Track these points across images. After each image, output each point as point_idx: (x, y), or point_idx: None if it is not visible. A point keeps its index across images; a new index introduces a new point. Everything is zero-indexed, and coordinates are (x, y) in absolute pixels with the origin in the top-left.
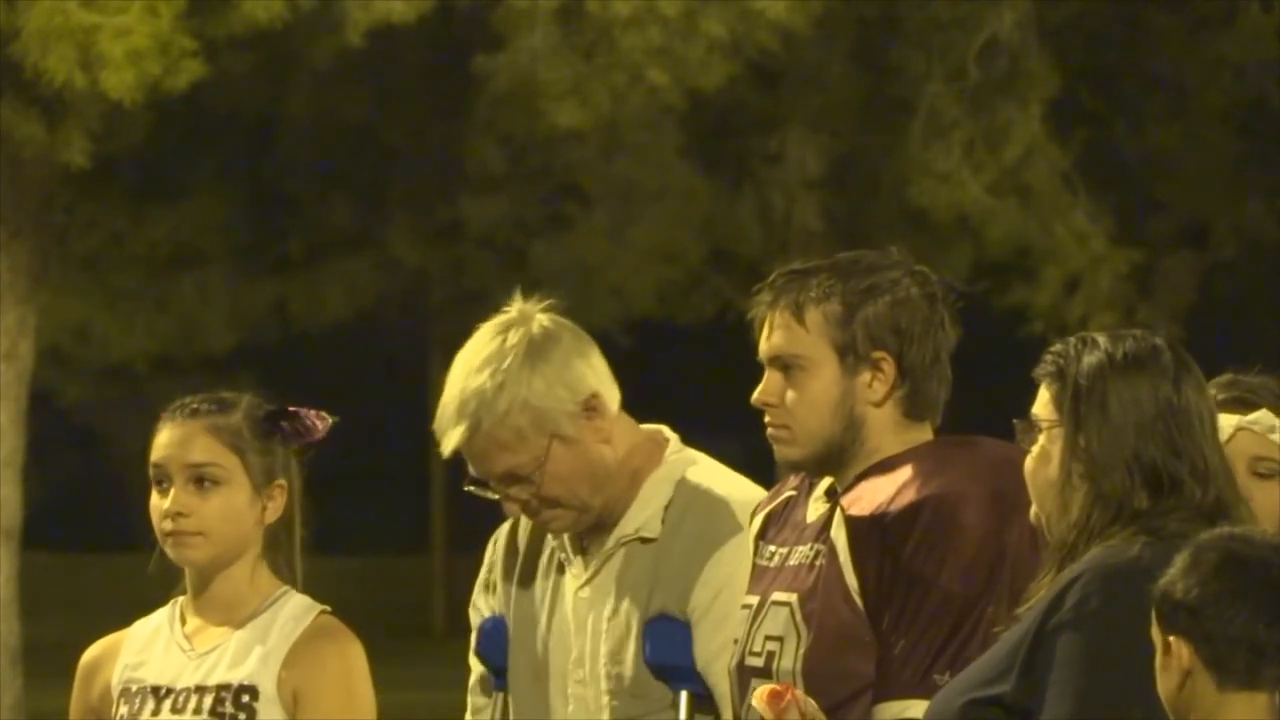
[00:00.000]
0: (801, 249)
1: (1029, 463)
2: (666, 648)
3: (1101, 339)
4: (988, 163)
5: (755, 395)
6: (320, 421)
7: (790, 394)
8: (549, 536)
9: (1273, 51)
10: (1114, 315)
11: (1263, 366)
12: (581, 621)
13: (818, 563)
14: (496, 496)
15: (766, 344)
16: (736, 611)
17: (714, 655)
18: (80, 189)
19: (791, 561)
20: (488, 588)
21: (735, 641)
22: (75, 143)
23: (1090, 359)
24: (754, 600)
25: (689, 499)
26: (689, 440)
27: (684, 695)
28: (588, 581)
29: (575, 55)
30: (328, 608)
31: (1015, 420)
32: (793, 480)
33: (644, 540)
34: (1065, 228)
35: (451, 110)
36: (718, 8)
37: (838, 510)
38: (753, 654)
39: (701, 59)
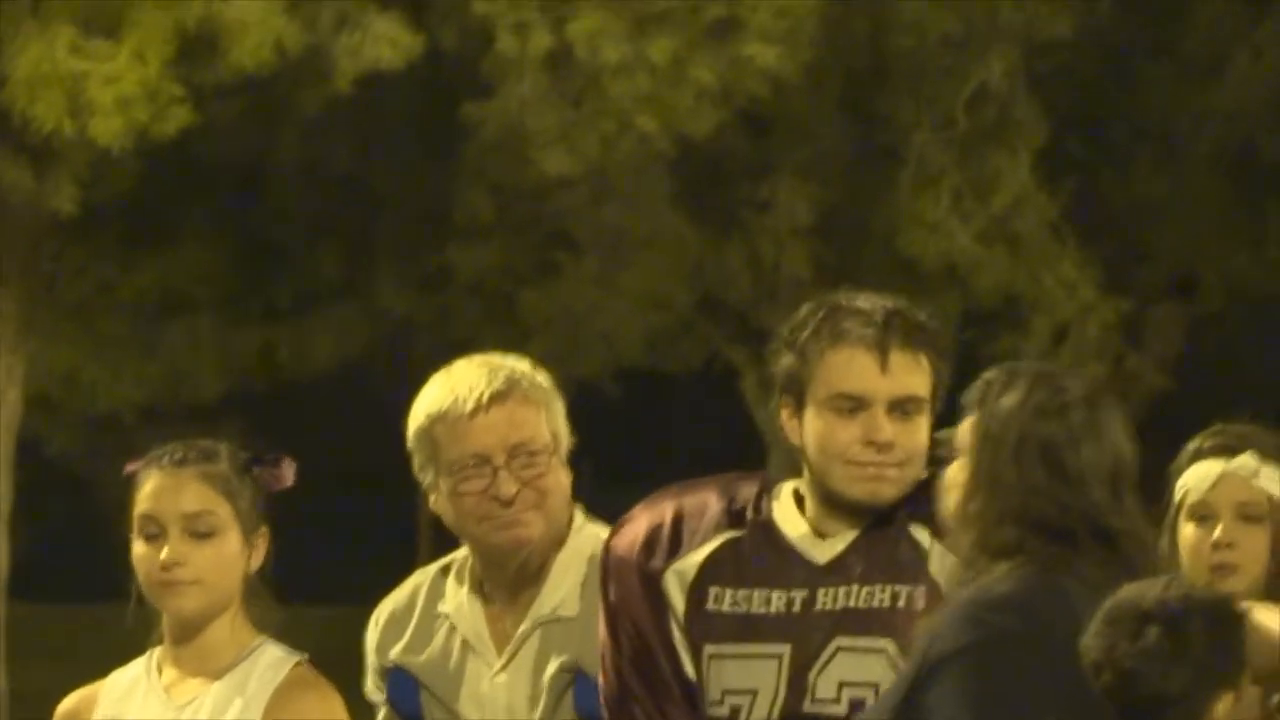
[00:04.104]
0: (790, 297)
1: (949, 472)
2: (597, 699)
3: (1025, 378)
4: (976, 211)
5: (884, 436)
6: (289, 469)
7: (909, 436)
8: (439, 627)
9: (1261, 101)
10: (1102, 364)
11: (1251, 415)
12: (502, 705)
13: (916, 605)
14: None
15: (892, 383)
16: None
17: None
18: (68, 236)
19: (840, 604)
20: (379, 673)
21: (728, 693)
22: (63, 190)
23: (1007, 401)
24: (777, 649)
25: None
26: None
27: None
28: (504, 666)
29: (564, 103)
30: (304, 657)
31: (935, 434)
32: (703, 520)
33: (560, 620)
34: (1053, 277)
35: (440, 158)
36: (707, 55)
37: (935, 547)
38: (822, 700)
39: (690, 106)
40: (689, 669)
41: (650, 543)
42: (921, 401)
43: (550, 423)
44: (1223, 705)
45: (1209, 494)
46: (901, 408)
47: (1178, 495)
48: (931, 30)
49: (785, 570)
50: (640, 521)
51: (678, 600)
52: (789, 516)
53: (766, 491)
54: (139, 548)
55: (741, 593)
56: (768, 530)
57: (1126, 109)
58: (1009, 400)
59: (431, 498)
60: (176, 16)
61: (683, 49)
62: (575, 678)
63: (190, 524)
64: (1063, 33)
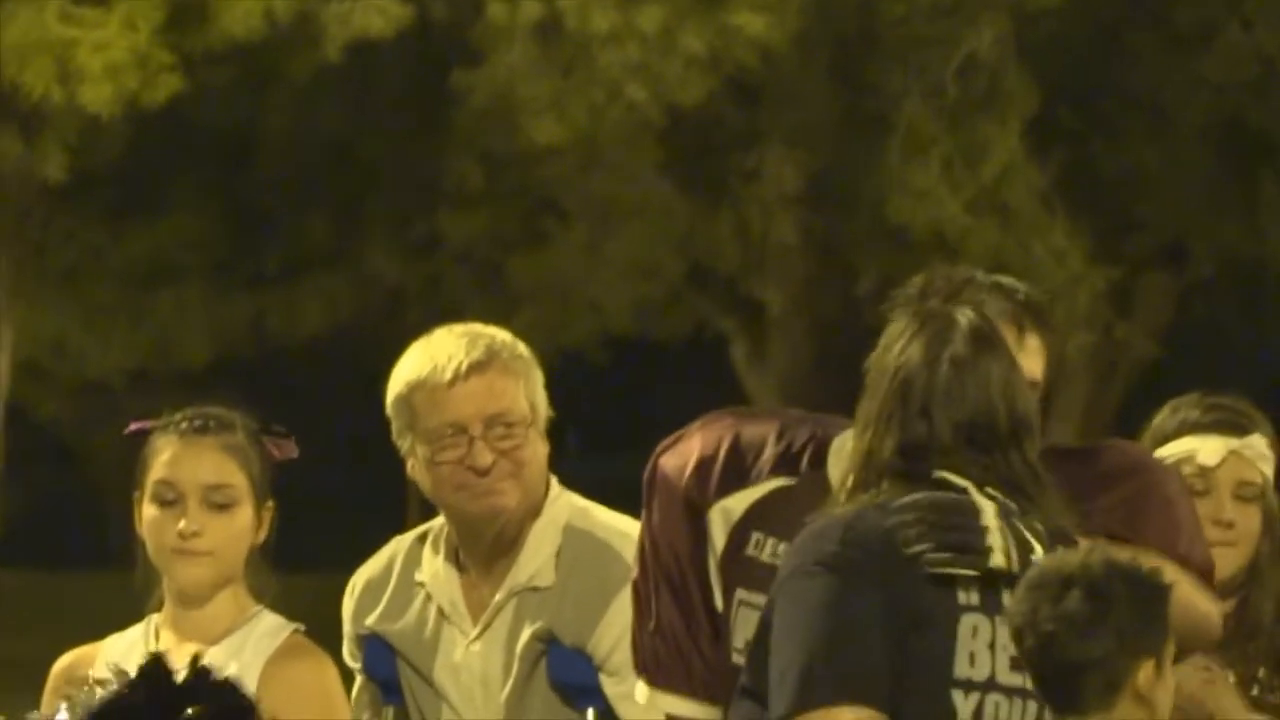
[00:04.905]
0: (779, 265)
1: None
2: (571, 669)
3: (911, 328)
4: (966, 180)
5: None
6: (292, 440)
7: None
8: (415, 596)
9: (1252, 71)
10: (1091, 333)
11: (1231, 386)
12: (476, 674)
13: None
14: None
15: (1023, 359)
16: None
17: (623, 697)
18: (57, 203)
19: None
20: (356, 640)
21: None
22: (53, 157)
23: (892, 349)
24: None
25: (580, 545)
26: None
27: (590, 713)
28: (479, 635)
29: (554, 71)
30: (301, 626)
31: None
32: (758, 459)
33: (536, 589)
34: (1043, 246)
35: (430, 126)
36: (696, 24)
37: None
38: None
39: (680, 75)
40: (719, 603)
41: (701, 471)
42: (1036, 385)
43: (529, 394)
44: (1144, 673)
45: (1215, 470)
46: None
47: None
48: None
49: None
50: (693, 444)
51: (719, 538)
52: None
53: (825, 441)
54: (152, 512)
55: (783, 546)
56: (820, 486)
57: (1117, 79)
58: (894, 349)
59: (409, 463)
60: None
61: (672, 18)
62: (549, 646)
63: (209, 495)
64: (1053, 2)
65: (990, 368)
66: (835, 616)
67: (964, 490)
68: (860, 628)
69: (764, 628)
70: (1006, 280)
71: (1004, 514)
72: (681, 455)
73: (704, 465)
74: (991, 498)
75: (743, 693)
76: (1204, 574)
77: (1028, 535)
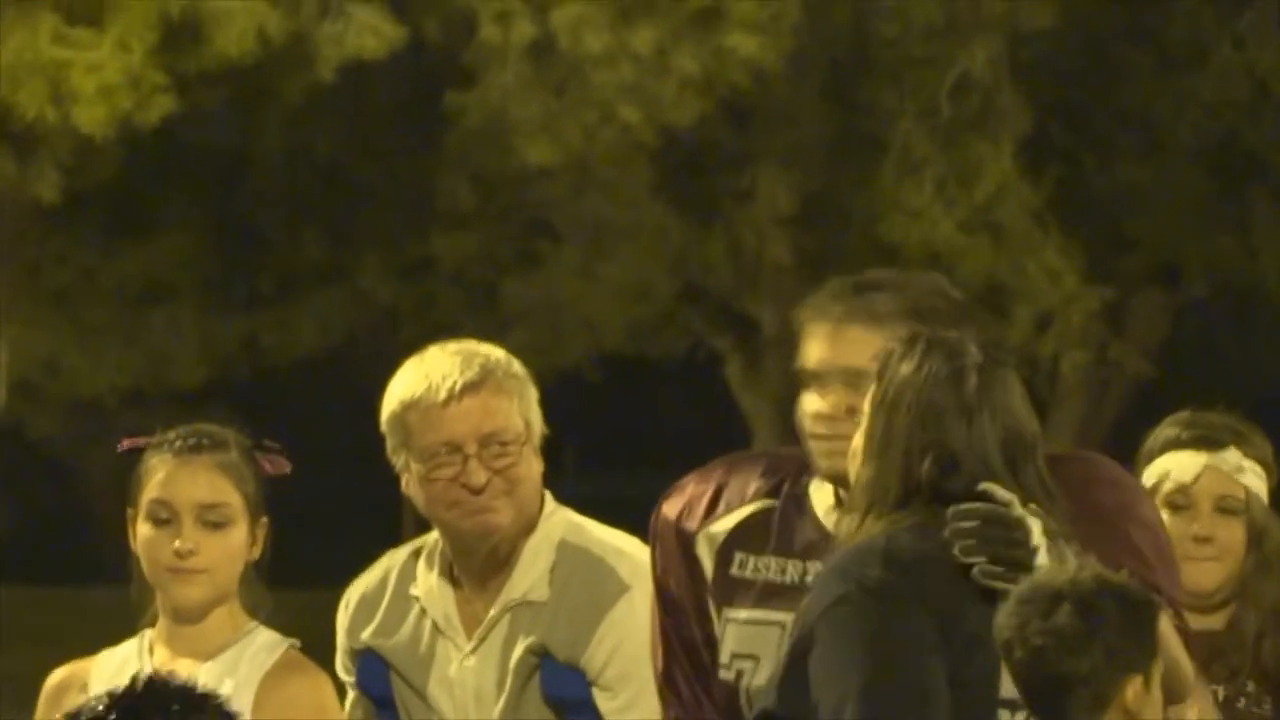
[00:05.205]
0: (772, 285)
1: (854, 442)
2: (564, 684)
3: (922, 346)
4: (959, 200)
5: (828, 409)
6: (284, 456)
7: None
8: (410, 610)
9: (1244, 90)
10: (1085, 352)
11: (1224, 405)
12: (470, 689)
13: None
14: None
15: (838, 355)
16: (635, 669)
17: (616, 711)
18: (51, 223)
19: None
20: (350, 654)
21: (735, 657)
22: (46, 177)
23: (904, 368)
24: (783, 617)
25: (574, 560)
26: (662, 475)
27: None
28: (474, 650)
29: (547, 92)
30: (296, 642)
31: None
32: (744, 490)
33: (530, 604)
34: (1037, 265)
35: (423, 146)
36: (689, 45)
37: None
38: None
39: (673, 96)
40: (717, 630)
41: (691, 506)
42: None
43: (523, 411)
44: (1132, 690)
45: (1192, 486)
46: (854, 383)
47: (1150, 481)
48: (914, 19)
49: (808, 543)
50: (688, 488)
51: (707, 563)
52: (824, 491)
53: (810, 466)
54: (147, 531)
55: (763, 560)
56: (800, 502)
57: (1109, 98)
58: (905, 368)
59: (403, 480)
60: (160, 4)
61: (665, 39)
62: (543, 661)
63: (204, 513)
64: (1046, 22)
65: (1008, 378)
66: (890, 643)
67: (1009, 503)
68: (915, 653)
69: (798, 654)
70: (851, 279)
71: (1049, 533)
72: (677, 499)
73: (694, 501)
74: (1036, 515)
75: (764, 718)
76: (1169, 591)
77: (1070, 555)
